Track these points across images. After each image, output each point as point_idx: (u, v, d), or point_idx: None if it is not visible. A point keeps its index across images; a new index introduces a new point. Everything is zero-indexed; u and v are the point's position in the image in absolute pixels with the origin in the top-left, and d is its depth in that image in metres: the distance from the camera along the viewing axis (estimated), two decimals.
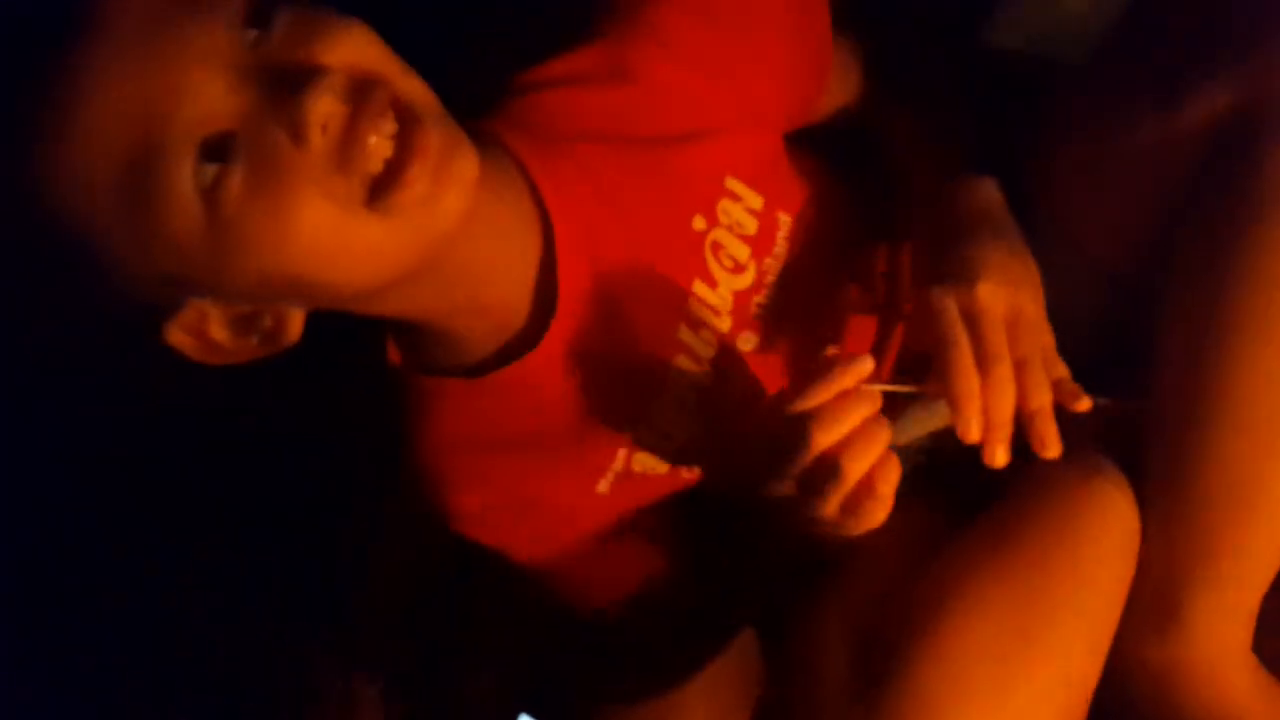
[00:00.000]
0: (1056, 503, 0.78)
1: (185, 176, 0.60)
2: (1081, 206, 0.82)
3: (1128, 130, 0.78)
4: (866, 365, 0.69)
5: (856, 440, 0.68)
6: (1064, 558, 0.76)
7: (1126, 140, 0.78)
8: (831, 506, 0.69)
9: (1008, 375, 0.69)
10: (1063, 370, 0.73)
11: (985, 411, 0.69)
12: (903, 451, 0.78)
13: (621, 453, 0.82)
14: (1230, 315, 0.73)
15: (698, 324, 0.80)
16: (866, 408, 0.69)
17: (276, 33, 0.62)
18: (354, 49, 0.63)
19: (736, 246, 0.81)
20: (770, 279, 0.82)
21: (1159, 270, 0.78)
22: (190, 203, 0.61)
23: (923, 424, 0.87)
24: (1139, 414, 0.78)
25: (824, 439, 0.68)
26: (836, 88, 0.87)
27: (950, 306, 0.71)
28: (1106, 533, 0.77)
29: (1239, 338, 0.72)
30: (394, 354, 0.78)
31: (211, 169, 0.61)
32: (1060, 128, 0.83)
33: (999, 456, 0.69)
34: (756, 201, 0.81)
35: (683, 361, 0.80)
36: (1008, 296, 0.72)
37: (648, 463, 0.83)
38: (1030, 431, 0.70)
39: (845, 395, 0.69)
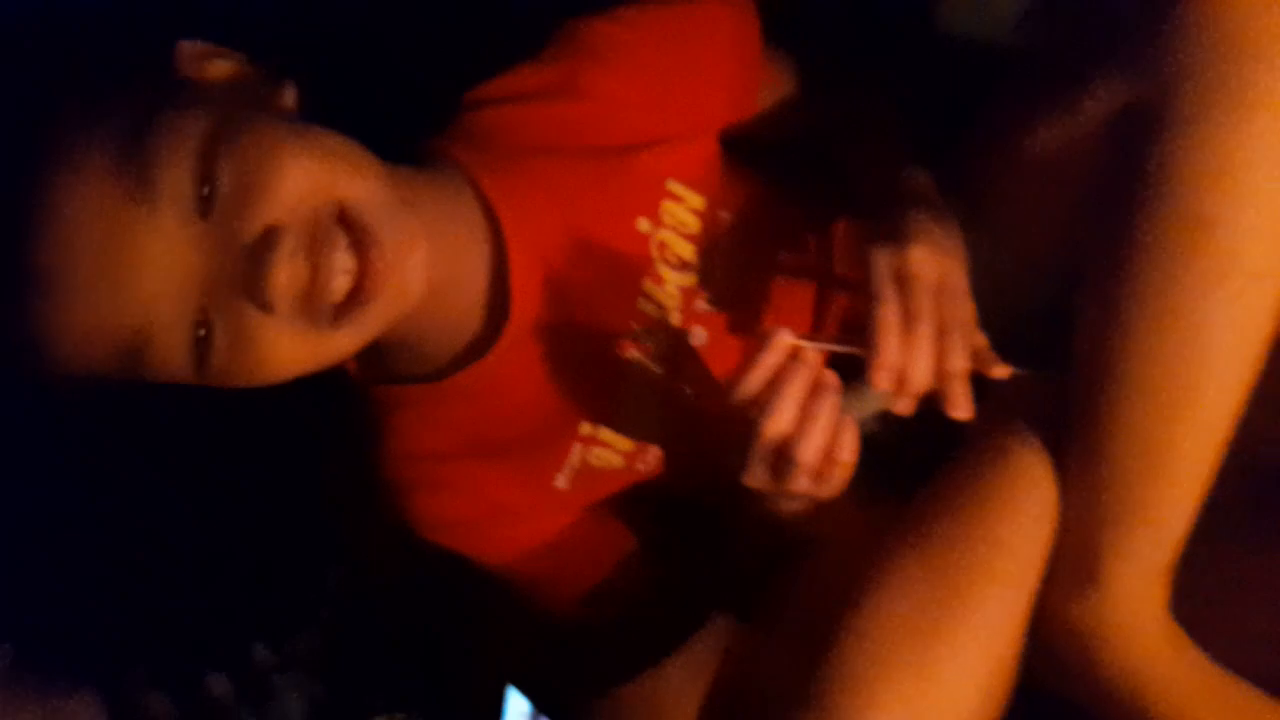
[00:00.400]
0: (975, 476, 0.82)
1: (174, 355, 0.69)
2: (1012, 200, 0.86)
3: (1044, 128, 0.81)
4: (784, 338, 0.74)
5: (807, 421, 0.73)
6: (980, 528, 0.80)
7: (1044, 138, 0.81)
8: (800, 485, 0.75)
9: (929, 335, 0.75)
10: (981, 340, 0.79)
11: (904, 366, 0.74)
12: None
13: (577, 448, 0.87)
14: (1133, 293, 0.76)
15: (648, 321, 0.85)
16: (805, 378, 0.74)
17: (223, 193, 0.67)
18: (296, 185, 0.68)
19: (681, 245, 0.86)
20: (716, 275, 0.87)
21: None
22: (181, 367, 0.69)
23: (861, 406, 0.91)
24: (1059, 386, 0.82)
25: (773, 426, 0.73)
26: (769, 90, 0.92)
27: (883, 265, 0.77)
28: (1024, 501, 0.81)
29: (1142, 313, 0.76)
30: (350, 365, 0.83)
31: (195, 342, 0.68)
32: (989, 124, 0.87)
33: (904, 406, 0.75)
34: (698, 202, 0.86)
35: (636, 358, 0.85)
36: (937, 264, 0.77)
37: (604, 457, 0.88)
38: (945, 392, 0.75)
39: (784, 375, 0.74)
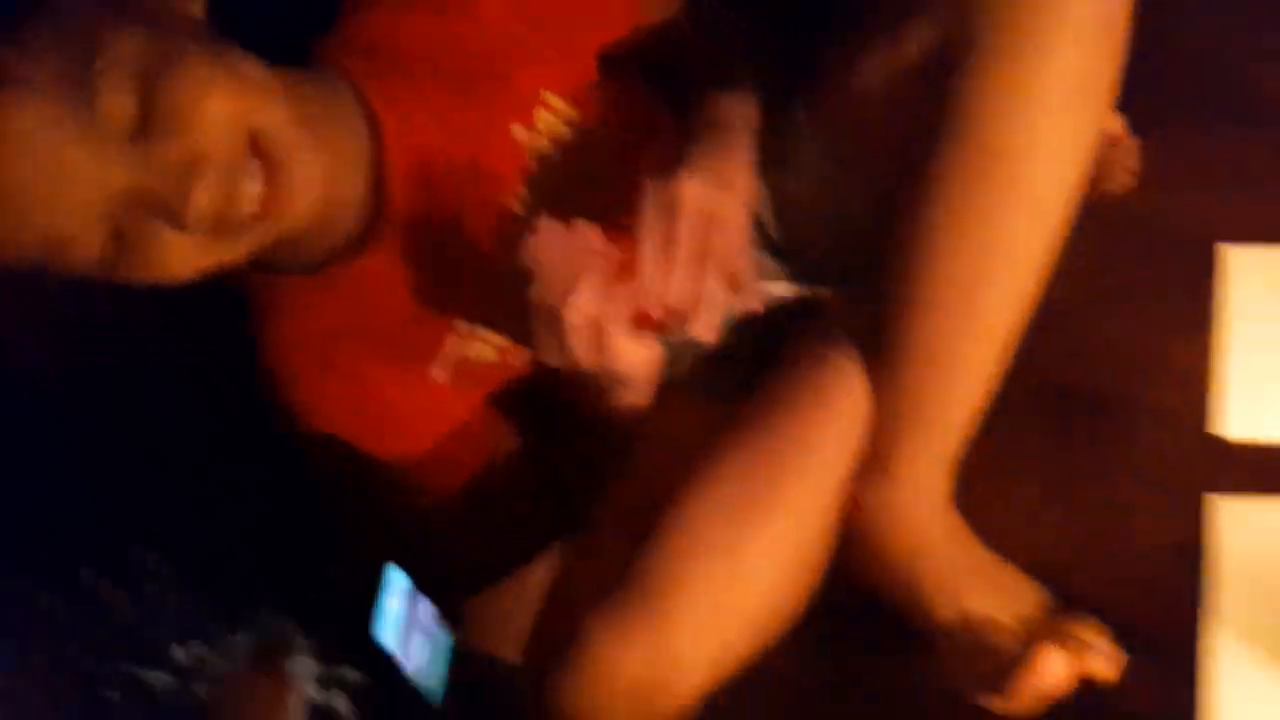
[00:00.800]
0: (795, 383, 0.90)
1: (88, 257, 0.76)
2: (850, 127, 0.93)
3: (874, 61, 0.89)
4: (548, 225, 0.80)
5: (575, 291, 0.78)
6: (795, 429, 0.88)
7: (873, 70, 0.89)
8: (580, 351, 0.79)
9: (681, 261, 0.80)
10: (747, 273, 0.83)
11: (659, 291, 0.79)
12: (680, 346, 0.90)
13: (451, 339, 0.93)
14: (931, 215, 0.84)
15: (520, 221, 0.90)
16: (568, 248, 0.78)
17: (155, 118, 0.74)
18: (220, 116, 0.76)
19: (555, 153, 0.91)
20: (586, 182, 0.93)
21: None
22: (91, 267, 0.77)
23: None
24: (874, 299, 0.88)
25: (537, 290, 0.79)
26: (654, 10, 0.96)
27: (652, 194, 0.81)
28: (837, 405, 0.88)
29: (937, 234, 0.84)
30: None
31: (109, 247, 0.76)
32: (832, 53, 0.94)
33: (660, 315, 0.81)
34: (572, 114, 0.92)
35: (505, 256, 0.89)
36: (708, 196, 0.81)
37: (480, 351, 0.94)
38: (692, 315, 0.81)
39: (548, 247, 0.79)
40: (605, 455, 0.96)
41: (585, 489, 0.96)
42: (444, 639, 1.06)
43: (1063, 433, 0.95)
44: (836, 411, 0.89)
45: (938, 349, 0.86)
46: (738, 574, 0.84)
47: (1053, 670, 0.82)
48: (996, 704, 0.84)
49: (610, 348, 0.80)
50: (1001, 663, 0.83)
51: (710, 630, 0.83)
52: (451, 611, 1.05)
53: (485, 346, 0.95)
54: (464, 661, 1.04)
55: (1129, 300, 0.96)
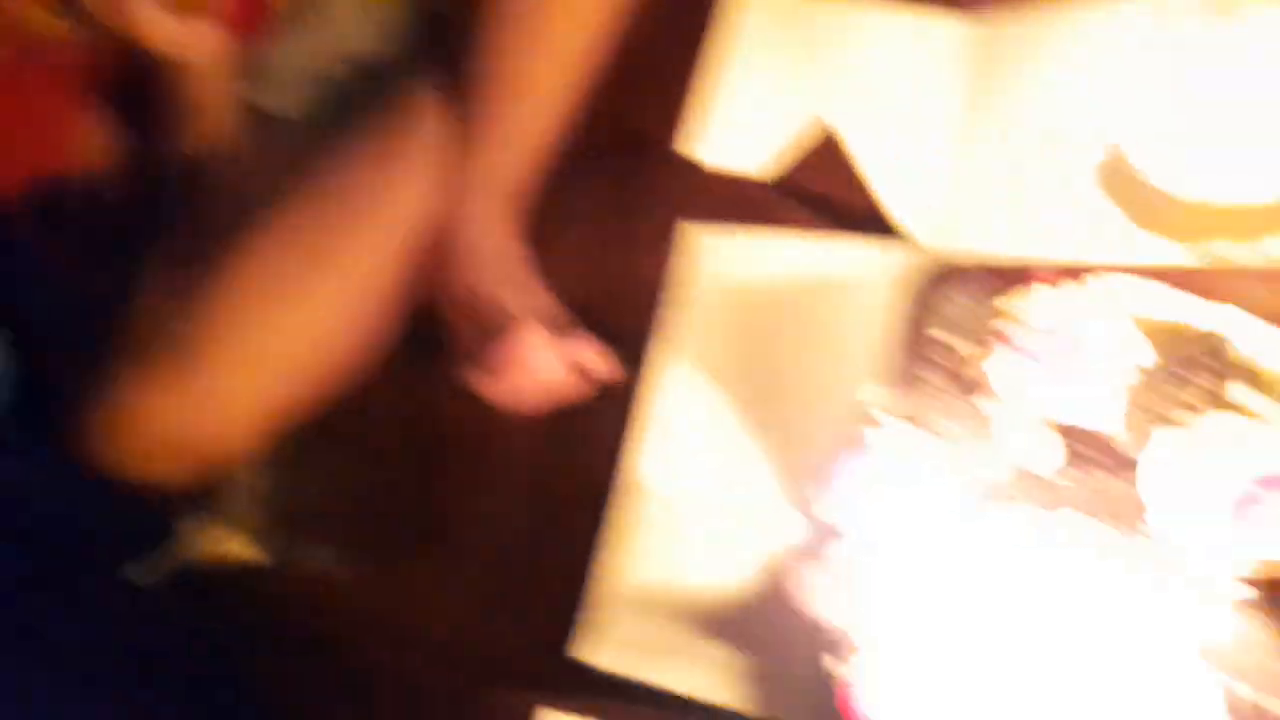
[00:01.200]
0: (377, 123, 0.90)
1: None
2: None
3: None
4: None
5: None
6: (366, 171, 0.88)
7: None
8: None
9: None
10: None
11: None
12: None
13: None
14: None
15: None
16: None
17: None
18: None
19: None
20: None
21: None
22: None
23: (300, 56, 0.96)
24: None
25: None
26: None
27: None
28: (413, 143, 0.89)
29: None
30: None
31: None
32: None
33: None
34: None
35: None
36: None
37: (38, 19, 0.88)
38: None
39: None
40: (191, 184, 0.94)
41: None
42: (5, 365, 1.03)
43: (592, 169, 0.99)
44: (415, 152, 0.90)
45: (506, 69, 0.88)
46: (289, 321, 0.85)
47: (528, 343, 0.85)
48: (487, 387, 0.86)
49: (125, 10, 0.78)
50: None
51: (256, 380, 0.84)
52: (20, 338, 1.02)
53: (43, 15, 0.89)
54: (28, 393, 1.01)
55: (651, 39, 0.98)
